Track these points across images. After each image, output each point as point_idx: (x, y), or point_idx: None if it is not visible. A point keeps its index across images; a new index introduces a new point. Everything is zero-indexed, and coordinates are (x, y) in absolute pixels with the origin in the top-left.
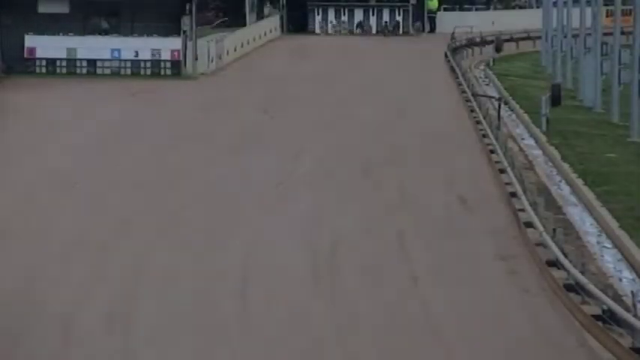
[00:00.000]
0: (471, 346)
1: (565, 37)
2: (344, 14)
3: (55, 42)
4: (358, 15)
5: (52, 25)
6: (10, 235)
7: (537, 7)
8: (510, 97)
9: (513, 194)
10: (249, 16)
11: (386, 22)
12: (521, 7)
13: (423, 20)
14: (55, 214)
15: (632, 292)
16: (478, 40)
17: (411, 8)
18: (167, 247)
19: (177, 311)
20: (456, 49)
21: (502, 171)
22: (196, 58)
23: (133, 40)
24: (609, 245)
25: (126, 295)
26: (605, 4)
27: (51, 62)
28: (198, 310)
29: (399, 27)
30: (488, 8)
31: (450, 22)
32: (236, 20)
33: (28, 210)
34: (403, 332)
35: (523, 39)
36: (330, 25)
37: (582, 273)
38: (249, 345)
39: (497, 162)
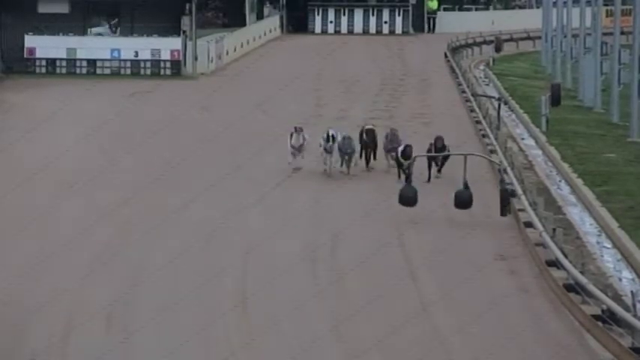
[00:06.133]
0: (471, 345)
1: (565, 37)
2: (344, 14)
3: (55, 42)
4: (358, 15)
5: (52, 25)
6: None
7: (537, 7)
8: (510, 97)
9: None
10: (249, 16)
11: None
12: (521, 7)
13: (423, 20)
14: (54, 213)
15: (631, 292)
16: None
17: (411, 8)
18: (167, 247)
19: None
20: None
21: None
22: (196, 58)
23: (133, 40)
24: (609, 245)
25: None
26: (605, 4)
27: (51, 62)
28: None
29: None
30: (488, 8)
31: (450, 22)
32: (236, 20)
33: (25, 210)
34: (402, 331)
35: (523, 39)
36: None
37: (582, 273)
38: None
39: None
